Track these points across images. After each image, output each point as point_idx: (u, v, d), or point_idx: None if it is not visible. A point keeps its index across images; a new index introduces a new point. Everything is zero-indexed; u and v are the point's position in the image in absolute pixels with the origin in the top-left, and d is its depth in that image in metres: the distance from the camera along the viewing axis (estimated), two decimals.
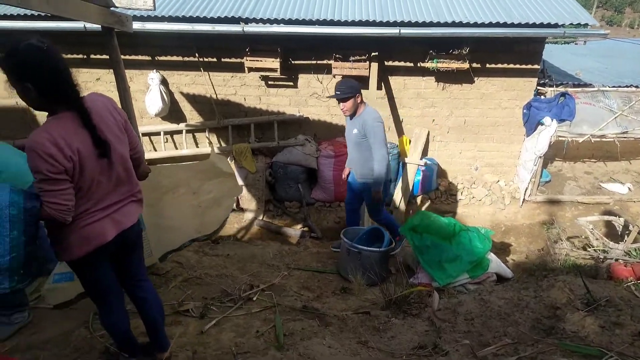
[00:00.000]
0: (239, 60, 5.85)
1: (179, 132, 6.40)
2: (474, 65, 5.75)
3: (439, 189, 6.44)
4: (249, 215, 6.01)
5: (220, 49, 5.88)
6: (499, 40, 5.47)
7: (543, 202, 6.23)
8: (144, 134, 6.33)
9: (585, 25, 5.30)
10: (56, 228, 1.82)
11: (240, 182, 5.74)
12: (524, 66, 5.85)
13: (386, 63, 5.91)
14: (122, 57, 3.51)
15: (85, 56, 5.89)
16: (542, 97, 6.00)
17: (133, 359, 2.38)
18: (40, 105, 1.77)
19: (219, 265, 3.95)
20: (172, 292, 3.31)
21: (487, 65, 5.86)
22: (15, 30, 5.16)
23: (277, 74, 5.77)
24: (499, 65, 5.86)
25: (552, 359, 2.30)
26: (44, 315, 3.06)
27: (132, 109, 3.70)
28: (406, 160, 6.09)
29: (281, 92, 6.19)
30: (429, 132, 6.31)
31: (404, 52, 5.83)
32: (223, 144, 6.46)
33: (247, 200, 6.04)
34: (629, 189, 6.38)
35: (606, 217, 5.35)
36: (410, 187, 6.08)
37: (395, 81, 6.07)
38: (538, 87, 6.09)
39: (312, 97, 6.17)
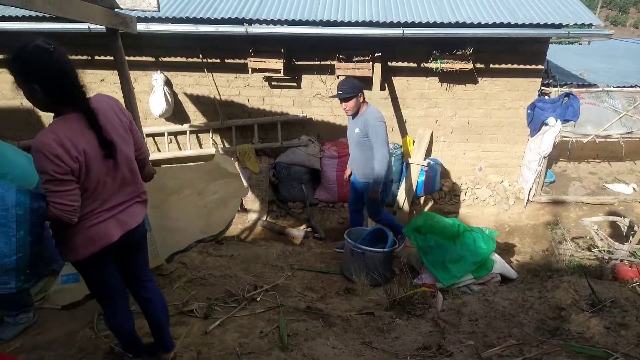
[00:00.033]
0: (242, 61, 5.86)
1: (183, 132, 6.42)
2: (478, 65, 5.74)
3: (442, 189, 6.43)
4: (252, 216, 6.02)
5: (224, 50, 5.89)
6: (503, 41, 5.46)
7: (547, 202, 6.21)
8: (148, 135, 6.35)
9: (590, 25, 5.28)
10: (62, 228, 1.83)
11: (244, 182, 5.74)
12: (527, 66, 5.83)
13: (390, 63, 5.91)
14: (126, 58, 3.52)
15: (89, 57, 5.92)
16: (546, 97, 5.98)
17: (138, 359, 2.39)
18: (47, 107, 1.78)
19: (223, 265, 3.95)
20: (176, 292, 3.32)
21: (491, 66, 5.85)
22: (19, 32, 5.20)
23: (280, 75, 5.78)
24: (503, 66, 5.84)
25: None
26: (49, 316, 3.07)
27: (136, 110, 3.71)
28: (410, 160, 6.08)
29: (285, 92, 6.20)
30: (432, 132, 6.30)
31: (407, 52, 5.83)
32: (227, 145, 6.47)
33: (251, 200, 6.04)
34: (634, 189, 6.35)
35: (611, 218, 5.33)
36: (414, 188, 6.07)
37: (398, 82, 6.06)
38: (542, 88, 6.07)
39: (315, 98, 6.17)
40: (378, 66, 5.72)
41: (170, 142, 6.50)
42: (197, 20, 5.37)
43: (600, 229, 4.89)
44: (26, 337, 2.81)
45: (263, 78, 6.04)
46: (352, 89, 3.99)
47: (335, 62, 5.72)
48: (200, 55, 5.92)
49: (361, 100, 4.08)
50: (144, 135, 5.94)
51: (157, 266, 3.51)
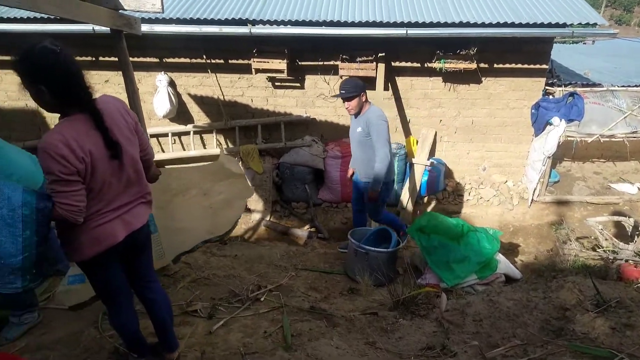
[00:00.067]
0: (246, 61, 5.87)
1: (187, 133, 6.44)
2: (482, 65, 5.73)
3: (446, 189, 6.42)
4: (256, 216, 6.03)
5: (228, 51, 5.90)
6: (507, 40, 5.45)
7: (552, 202, 6.19)
8: (152, 135, 6.37)
9: (594, 24, 5.26)
10: (67, 229, 1.84)
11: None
12: (532, 66, 5.82)
13: (393, 64, 5.90)
14: (131, 59, 3.53)
15: (93, 58, 5.95)
16: (551, 97, 5.95)
17: (142, 359, 2.40)
18: (53, 108, 1.79)
19: (227, 265, 3.96)
20: (180, 292, 3.33)
21: (495, 66, 5.83)
22: (24, 33, 5.23)
23: (284, 75, 5.78)
24: (507, 65, 5.83)
25: None
26: (54, 316, 3.09)
27: (140, 111, 3.72)
28: (413, 160, 6.08)
29: (288, 93, 6.21)
30: (436, 132, 6.29)
31: (411, 52, 5.82)
32: (230, 145, 6.48)
33: (254, 201, 6.05)
34: (639, 189, 6.31)
35: (616, 218, 5.31)
36: (418, 188, 6.06)
37: (402, 82, 6.06)
38: (546, 87, 6.05)
39: (319, 98, 6.18)
40: (381, 66, 5.72)
41: (174, 142, 6.52)
42: (200, 21, 5.38)
43: (605, 229, 4.87)
44: (31, 337, 2.83)
45: (266, 78, 6.04)
46: (355, 89, 3.99)
47: (338, 63, 5.72)
48: (204, 56, 5.94)
49: (364, 100, 4.07)
50: (148, 135, 5.96)
51: (163, 267, 3.52)
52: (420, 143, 6.21)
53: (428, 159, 6.05)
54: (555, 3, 5.67)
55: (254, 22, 5.36)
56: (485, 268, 3.82)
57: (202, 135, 6.53)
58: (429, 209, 6.21)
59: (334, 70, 5.88)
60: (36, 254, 1.72)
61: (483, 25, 5.22)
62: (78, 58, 1.80)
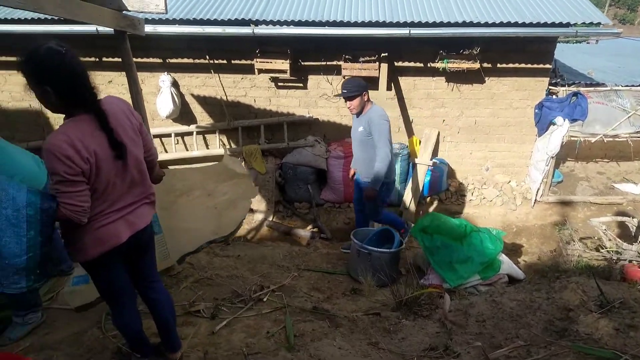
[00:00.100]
0: (249, 62, 5.87)
1: (190, 133, 6.45)
2: (485, 65, 5.72)
3: (449, 189, 6.41)
4: (258, 216, 6.03)
5: (231, 51, 5.91)
6: (510, 40, 5.44)
7: (555, 202, 6.17)
8: (155, 136, 6.38)
9: (598, 24, 5.24)
10: (71, 229, 1.85)
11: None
12: (535, 66, 5.80)
13: (396, 64, 5.90)
14: (134, 59, 3.54)
15: (97, 59, 5.97)
16: (554, 96, 5.94)
17: (145, 359, 2.41)
18: (59, 108, 1.80)
19: (230, 266, 3.97)
20: (183, 292, 3.34)
21: (498, 65, 5.82)
22: (28, 34, 5.25)
23: (286, 75, 5.79)
24: (510, 65, 5.81)
25: None
26: (57, 316, 3.11)
27: (144, 111, 3.73)
28: (416, 160, 6.07)
29: (291, 93, 6.21)
30: (439, 132, 6.28)
31: (414, 52, 5.82)
32: (233, 145, 6.49)
33: (257, 201, 6.06)
34: None
35: (619, 218, 5.29)
36: (420, 188, 6.06)
37: (405, 82, 6.05)
38: (550, 87, 6.03)
39: (321, 98, 6.18)
40: (384, 66, 5.72)
41: (177, 143, 6.53)
42: (203, 22, 5.39)
43: (608, 229, 4.85)
44: (35, 336, 2.84)
45: (269, 79, 6.05)
46: (357, 88, 3.99)
47: (341, 63, 5.72)
48: (207, 57, 5.95)
49: (365, 99, 4.08)
50: (152, 136, 5.98)
51: (169, 267, 3.53)
52: (423, 143, 6.20)
53: (431, 159, 6.04)
54: (558, 2, 5.65)
55: (256, 23, 5.37)
56: (488, 268, 3.81)
57: (205, 135, 6.54)
58: (431, 209, 6.20)
59: (337, 71, 5.88)
60: (40, 254, 1.73)
61: (486, 25, 5.21)
62: (81, 59, 1.81)
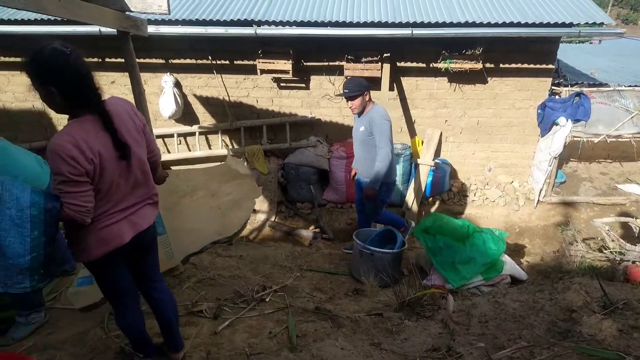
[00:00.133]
0: (251, 62, 5.88)
1: (192, 134, 6.46)
2: (487, 65, 5.71)
3: (451, 190, 6.40)
4: (261, 217, 6.04)
5: (233, 52, 5.92)
6: (513, 40, 5.43)
7: (558, 203, 6.15)
8: (158, 136, 6.39)
9: (601, 24, 5.22)
10: (75, 229, 1.85)
11: None
12: (538, 66, 5.79)
13: (398, 64, 5.89)
14: (137, 60, 3.55)
15: (100, 60, 5.99)
16: (557, 97, 5.92)
17: (148, 359, 2.41)
18: (63, 109, 1.80)
19: (232, 266, 3.97)
20: (186, 292, 3.34)
21: (501, 65, 5.81)
22: (32, 35, 5.27)
23: (289, 76, 5.79)
24: (513, 65, 5.80)
25: None
26: (60, 316, 3.12)
27: (146, 112, 3.74)
28: (418, 161, 6.06)
29: (293, 93, 6.21)
30: (441, 133, 6.27)
31: (416, 52, 5.81)
32: (235, 146, 6.50)
33: (259, 201, 6.06)
34: None
35: (622, 219, 5.27)
36: (423, 189, 6.05)
37: (407, 82, 6.05)
38: (552, 87, 6.02)
39: (324, 99, 6.18)
40: (387, 66, 5.72)
41: (180, 143, 6.54)
42: (206, 22, 5.40)
43: (611, 230, 4.83)
44: (38, 336, 2.85)
45: (272, 79, 6.05)
46: (358, 88, 3.99)
47: (343, 63, 5.72)
48: (210, 57, 5.96)
49: (367, 99, 4.08)
50: (154, 136, 6.00)
51: (174, 268, 3.54)
52: (425, 143, 6.20)
53: (433, 160, 6.03)
54: (561, 2, 5.64)
55: (259, 23, 5.37)
56: (491, 269, 3.81)
57: (208, 136, 6.55)
58: (433, 210, 6.20)
59: (339, 71, 5.88)
60: (44, 254, 1.73)
61: (489, 25, 5.20)
62: (84, 59, 1.81)
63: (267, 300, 3.31)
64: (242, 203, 4.15)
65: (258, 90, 6.21)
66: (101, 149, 1.78)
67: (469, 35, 5.19)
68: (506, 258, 3.99)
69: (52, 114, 6.36)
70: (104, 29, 4.81)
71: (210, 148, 6.59)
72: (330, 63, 5.93)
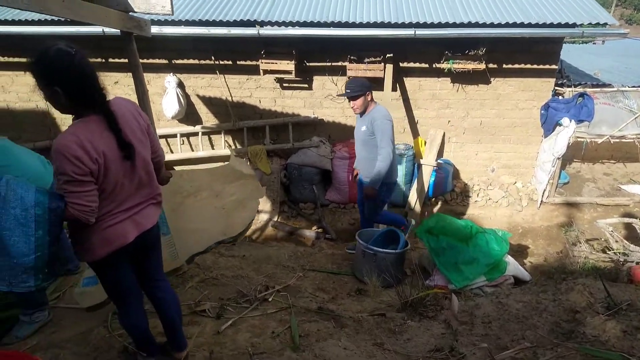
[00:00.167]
0: (254, 62, 5.89)
1: (195, 134, 6.47)
2: (491, 65, 5.71)
3: (454, 190, 6.39)
4: (263, 217, 6.04)
5: (236, 52, 5.93)
6: (516, 41, 5.42)
7: (561, 203, 6.14)
8: (161, 136, 6.41)
9: (604, 24, 5.22)
10: (79, 229, 1.86)
11: None
12: (541, 66, 5.78)
13: (401, 64, 5.89)
14: (140, 60, 3.56)
15: (103, 60, 6.01)
16: (560, 97, 5.92)
17: (151, 359, 2.41)
18: (68, 109, 1.81)
19: (235, 266, 3.97)
20: (189, 292, 3.35)
21: (504, 66, 5.80)
22: (35, 35, 5.28)
23: (292, 76, 5.80)
24: (516, 66, 5.80)
25: None
26: (64, 315, 3.13)
27: (150, 112, 3.75)
28: (421, 161, 6.06)
29: (296, 94, 6.22)
30: (444, 133, 6.27)
31: (419, 53, 5.81)
32: (238, 146, 6.51)
33: (262, 201, 6.05)
34: None
35: (626, 220, 5.25)
36: (426, 189, 6.04)
37: (410, 82, 6.05)
38: (556, 88, 6.01)
39: (326, 99, 6.18)
40: (389, 67, 5.71)
41: (183, 143, 6.56)
42: (209, 23, 5.41)
43: (615, 231, 4.81)
44: (42, 335, 2.86)
45: (274, 79, 6.06)
46: (360, 88, 3.99)
47: (346, 63, 5.72)
48: (213, 57, 5.97)
49: (369, 99, 4.08)
50: (157, 136, 6.00)
51: (178, 268, 3.54)
52: (428, 144, 6.19)
53: (436, 160, 6.03)
54: (564, 3, 5.63)
55: (262, 24, 5.38)
56: (494, 270, 3.80)
57: (211, 136, 6.56)
58: (436, 210, 6.19)
59: (342, 71, 5.89)
60: (48, 254, 1.74)
61: (492, 25, 5.20)
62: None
63: (270, 300, 3.31)
64: (247, 203, 4.15)
65: (261, 90, 6.22)
66: (106, 149, 1.79)
67: (472, 35, 5.19)
68: (509, 259, 3.97)
69: (56, 113, 6.38)
70: (108, 30, 4.82)
71: (213, 148, 6.60)
72: (333, 63, 5.93)
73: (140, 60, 3.56)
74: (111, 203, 1.89)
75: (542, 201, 6.12)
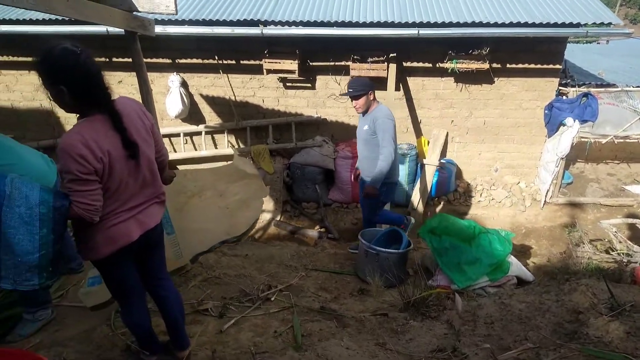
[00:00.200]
0: (257, 62, 5.89)
1: (198, 133, 6.48)
2: (494, 65, 5.69)
3: (457, 190, 6.38)
4: (266, 216, 6.04)
5: (239, 52, 5.93)
6: (520, 40, 5.41)
7: (565, 204, 6.12)
8: (164, 136, 6.42)
9: (609, 24, 5.19)
10: (83, 228, 1.87)
11: None
12: (545, 66, 5.76)
13: (404, 64, 5.88)
14: (144, 60, 3.57)
15: (107, 59, 6.02)
16: (564, 97, 5.89)
17: (154, 357, 2.43)
18: (73, 108, 1.82)
19: (238, 265, 3.98)
20: (191, 291, 3.35)
21: (508, 66, 5.79)
22: (39, 35, 5.30)
23: (295, 76, 5.80)
24: (520, 66, 5.78)
25: None
26: (67, 313, 3.14)
27: (153, 111, 3.76)
28: (424, 161, 6.05)
29: (299, 93, 6.22)
30: (447, 133, 6.26)
31: (422, 52, 5.80)
32: (241, 145, 6.51)
33: (265, 200, 6.06)
34: None
35: (630, 220, 5.23)
36: (429, 189, 6.04)
37: (413, 82, 6.04)
38: (560, 88, 5.99)
39: (329, 99, 6.18)
40: (393, 66, 5.71)
41: (186, 142, 6.57)
42: (213, 22, 5.41)
43: (618, 232, 4.80)
44: (45, 333, 2.88)
45: (278, 79, 6.06)
46: (362, 87, 3.99)
47: (349, 63, 5.71)
48: (216, 57, 5.98)
49: (371, 98, 4.08)
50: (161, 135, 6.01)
51: (182, 267, 3.55)
52: (431, 144, 6.18)
53: (439, 160, 6.02)
54: (568, 2, 5.61)
55: (265, 23, 5.38)
56: (497, 270, 3.79)
57: (214, 135, 6.57)
58: (439, 210, 6.18)
59: (345, 71, 5.88)
60: (53, 252, 1.75)
61: (496, 25, 5.18)
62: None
63: (273, 299, 3.32)
64: (250, 203, 4.16)
65: (264, 90, 6.22)
66: (110, 148, 1.79)
67: (476, 35, 5.17)
68: (512, 259, 3.97)
69: (60, 113, 6.40)
70: (112, 29, 4.84)
71: (216, 147, 6.61)
72: (337, 63, 5.93)
73: (144, 60, 3.58)
74: (115, 202, 1.90)
75: (545, 201, 6.10)
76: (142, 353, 2.42)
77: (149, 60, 5.60)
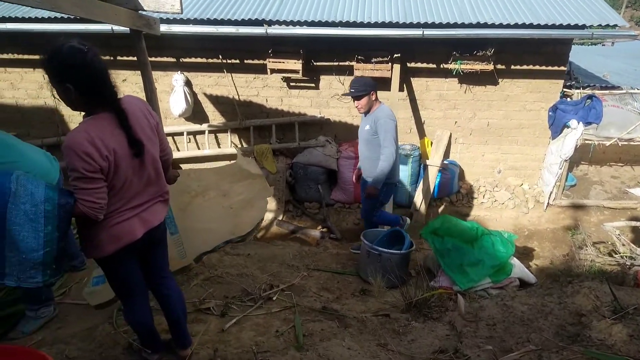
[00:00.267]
0: (261, 61, 5.90)
1: (202, 132, 6.49)
2: (499, 66, 5.68)
3: (460, 191, 6.37)
4: (268, 215, 6.05)
5: (244, 51, 5.94)
6: (525, 42, 5.40)
7: (568, 206, 6.10)
8: (168, 134, 6.43)
9: (614, 26, 5.18)
10: (87, 225, 1.87)
11: None
12: (549, 68, 5.74)
13: (408, 64, 5.88)
14: (148, 58, 3.58)
15: (112, 58, 6.03)
16: (569, 99, 5.88)
17: (156, 355, 2.43)
18: (79, 106, 1.82)
19: (240, 264, 3.98)
20: (193, 290, 3.36)
21: (512, 67, 5.77)
22: (45, 33, 5.32)
23: (299, 76, 5.80)
24: (524, 67, 5.76)
25: None
26: (69, 311, 3.15)
27: (158, 110, 3.77)
28: (427, 162, 6.04)
29: (303, 93, 6.22)
30: (451, 134, 6.25)
31: (426, 53, 5.79)
32: (245, 145, 6.52)
33: (268, 200, 6.07)
34: None
35: (633, 223, 5.21)
36: (432, 190, 6.03)
37: (417, 83, 6.03)
38: (564, 89, 5.97)
39: (333, 99, 6.18)
40: (397, 67, 5.70)
41: (190, 141, 6.58)
42: (217, 22, 5.42)
43: (622, 234, 4.78)
44: (47, 330, 2.89)
45: (281, 79, 6.07)
46: (364, 87, 3.99)
47: (353, 63, 5.71)
48: (220, 56, 5.98)
49: (374, 99, 4.07)
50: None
51: (186, 266, 3.55)
52: (434, 145, 6.17)
53: (442, 161, 6.01)
54: (574, 4, 5.59)
55: (270, 23, 5.39)
56: (499, 272, 3.78)
57: (217, 134, 6.58)
58: (441, 211, 6.17)
59: (349, 71, 5.88)
60: (57, 249, 1.75)
61: (500, 26, 5.17)
62: None
63: (275, 299, 3.32)
64: (255, 202, 4.15)
65: (268, 89, 6.22)
66: (116, 147, 1.80)
67: (480, 36, 5.16)
68: (515, 261, 3.96)
69: (64, 110, 6.42)
70: (117, 28, 4.84)
71: (219, 147, 6.62)
72: (341, 63, 5.93)
73: (149, 59, 3.59)
74: (120, 200, 1.91)
75: (548, 203, 6.09)
76: (144, 351, 2.42)
77: (153, 59, 5.59)
